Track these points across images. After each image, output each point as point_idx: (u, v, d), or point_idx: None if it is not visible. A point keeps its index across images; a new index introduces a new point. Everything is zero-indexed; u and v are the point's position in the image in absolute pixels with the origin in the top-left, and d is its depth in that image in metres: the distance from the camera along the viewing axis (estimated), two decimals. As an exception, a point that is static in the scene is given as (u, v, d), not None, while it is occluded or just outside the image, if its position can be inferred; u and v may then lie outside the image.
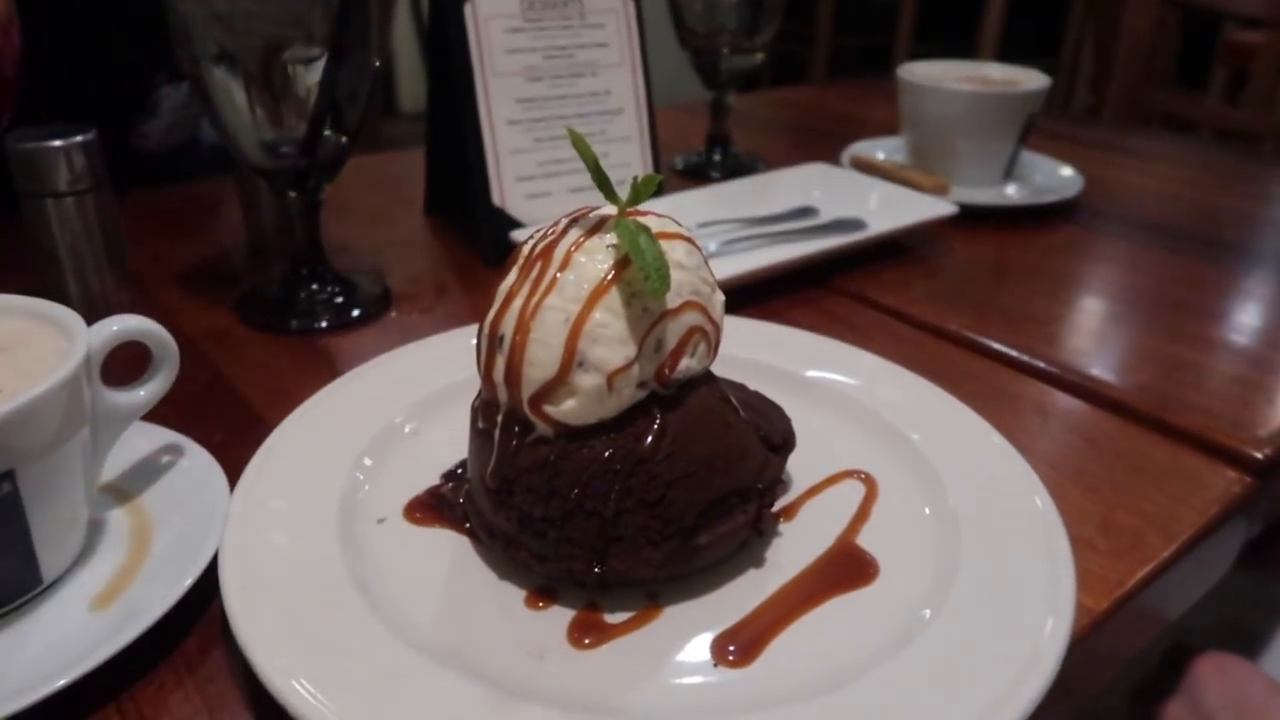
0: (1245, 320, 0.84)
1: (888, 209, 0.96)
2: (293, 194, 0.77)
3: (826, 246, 0.87)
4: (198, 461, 0.56)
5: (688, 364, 0.47)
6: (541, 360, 0.45)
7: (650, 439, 0.46)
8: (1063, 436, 0.66)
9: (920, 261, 0.93)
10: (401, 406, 0.62)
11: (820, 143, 1.21)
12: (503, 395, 0.47)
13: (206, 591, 0.47)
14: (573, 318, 0.44)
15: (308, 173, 0.76)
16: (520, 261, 0.48)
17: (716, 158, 1.17)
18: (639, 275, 0.44)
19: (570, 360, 0.44)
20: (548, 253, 0.47)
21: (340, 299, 0.81)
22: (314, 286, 0.81)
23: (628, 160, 0.95)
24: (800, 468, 0.57)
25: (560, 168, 0.92)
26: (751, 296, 0.83)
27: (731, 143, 1.18)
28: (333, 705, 0.39)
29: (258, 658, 0.41)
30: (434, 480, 0.56)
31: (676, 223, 0.50)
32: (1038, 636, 0.43)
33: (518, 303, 0.46)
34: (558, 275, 0.46)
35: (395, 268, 0.91)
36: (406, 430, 0.61)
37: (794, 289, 0.86)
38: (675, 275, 0.46)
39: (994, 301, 0.85)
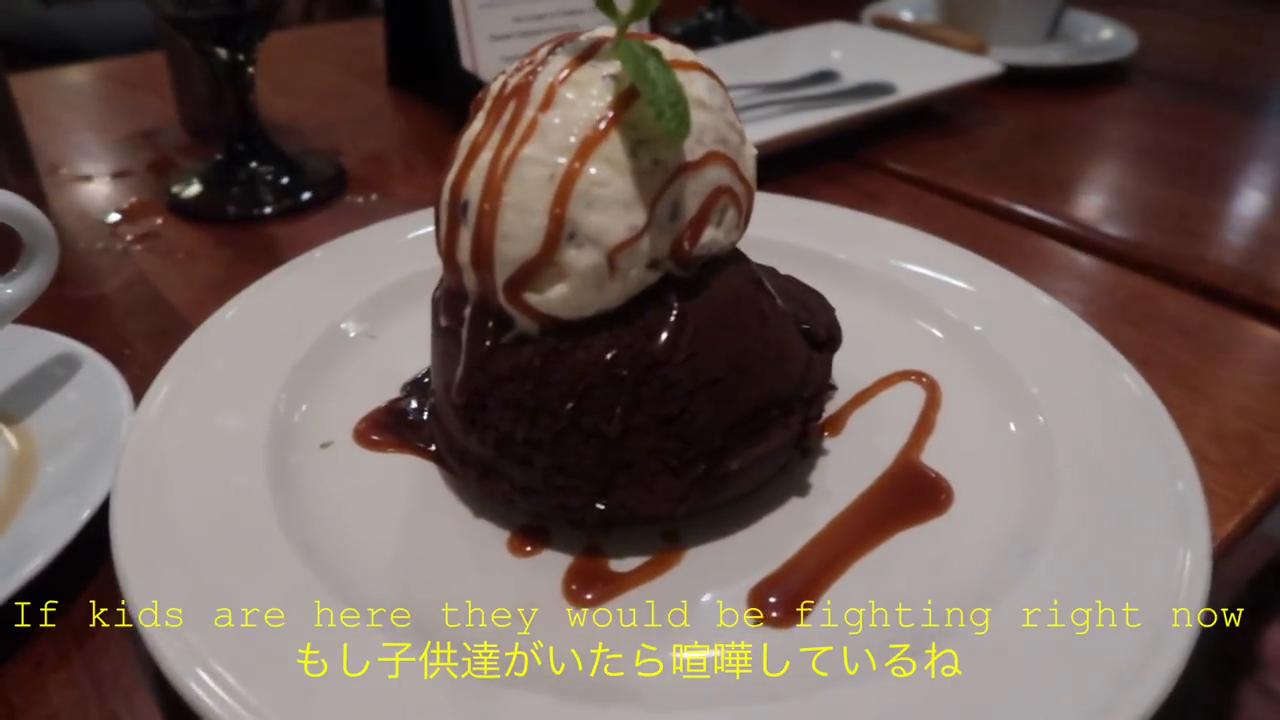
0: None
1: (920, 71, 0.83)
2: (221, 52, 0.64)
3: (853, 112, 0.74)
4: (97, 375, 0.45)
5: (713, 236, 0.36)
6: (519, 232, 0.33)
7: (666, 335, 0.35)
8: (1149, 326, 0.55)
9: (959, 130, 0.81)
10: (353, 303, 0.50)
11: (833, 3, 1.07)
12: (470, 281, 0.36)
13: (105, 539, 0.36)
14: (559, 174, 0.33)
15: (236, 24, 0.63)
16: (488, 103, 0.36)
17: (719, 20, 1.03)
18: (648, 114, 0.33)
19: (558, 231, 0.33)
20: (524, 89, 0.35)
21: (286, 180, 0.69)
22: (254, 165, 0.68)
23: (620, 16, 0.82)
24: (844, 369, 0.46)
25: (541, 24, 0.78)
26: (769, 172, 0.70)
27: (735, 3, 1.04)
28: (256, 702, 0.29)
29: (157, 639, 0.31)
30: (393, 393, 0.46)
31: (691, 53, 0.38)
32: (1173, 585, 0.33)
33: (485, 156, 0.34)
34: (538, 117, 0.34)
35: (352, 147, 0.78)
36: (358, 333, 0.49)
37: (817, 163, 0.74)
38: (695, 116, 0.35)
39: (1048, 172, 0.74)
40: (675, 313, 0.35)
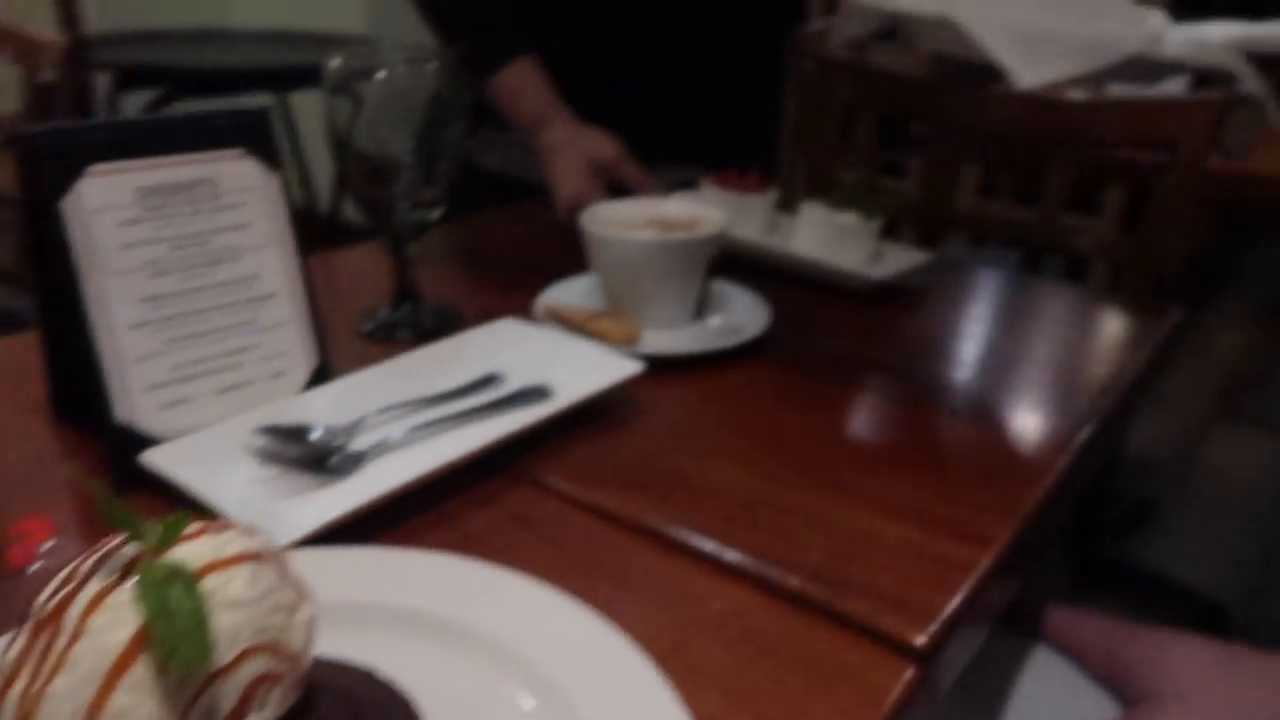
0: (914, 468, 0.86)
1: (576, 370, 0.93)
2: None
3: (501, 433, 0.82)
4: None
5: (255, 720, 0.40)
6: (49, 765, 0.36)
7: (210, 826, 0.38)
8: (742, 648, 0.63)
9: (609, 429, 0.90)
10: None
11: (524, 276, 1.17)
12: (11, 802, 0.38)
13: None
14: (83, 708, 0.36)
15: None
16: (31, 621, 0.39)
17: (405, 316, 1.10)
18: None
19: (86, 762, 0.36)
20: (59, 613, 0.38)
21: (-85, 567, 0.67)
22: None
23: (285, 348, 0.87)
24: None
25: (202, 367, 0.82)
26: (427, 500, 0.76)
27: (421, 298, 1.12)
28: None
29: None
30: None
31: (249, 532, 0.43)
32: None
33: (18, 687, 0.37)
34: (68, 648, 0.37)
35: (9, 498, 0.77)
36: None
37: (474, 482, 0.80)
38: (230, 618, 0.39)
39: (679, 473, 0.83)
40: (220, 801, 0.39)
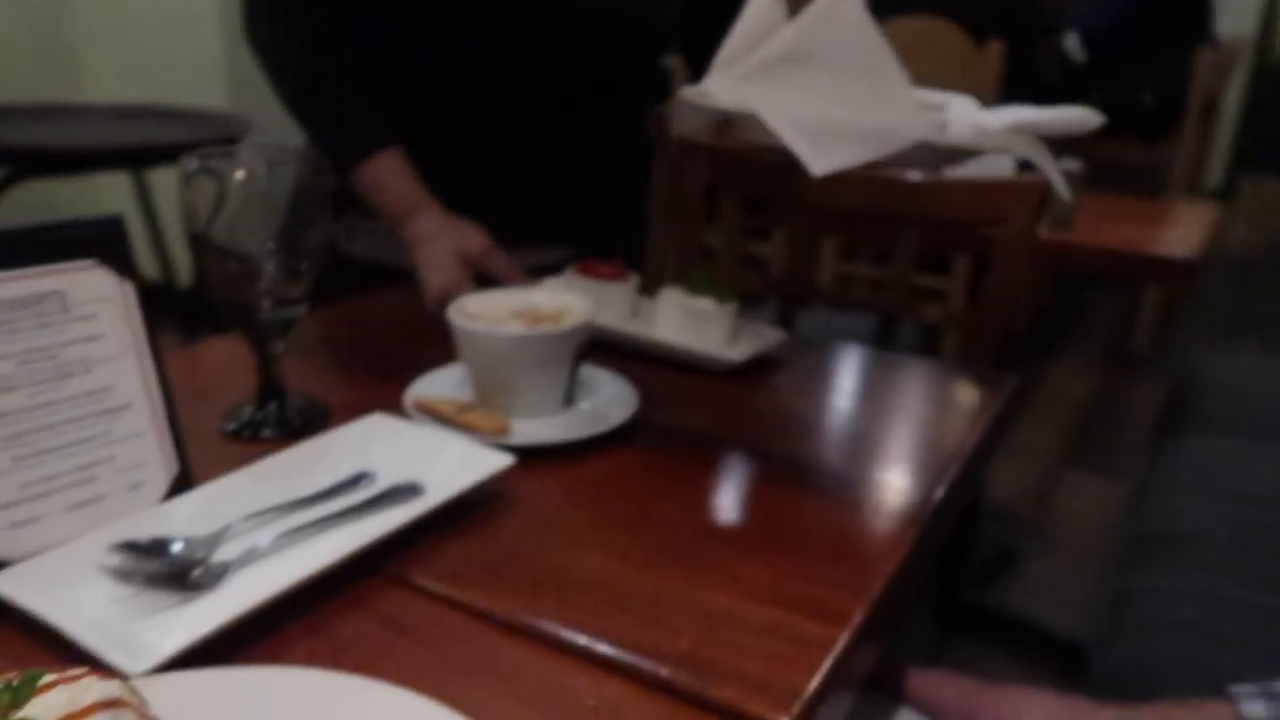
0: (776, 547, 0.90)
1: (446, 465, 0.94)
2: None
3: (370, 536, 0.82)
4: None
5: None
6: None
7: None
8: (609, 743, 0.65)
9: (481, 523, 0.91)
10: None
11: (394, 366, 1.18)
12: None
13: None
14: None
15: None
16: None
17: (271, 414, 1.09)
18: (25, 797, 0.36)
19: None
20: (-100, 784, 0.37)
21: None
22: None
23: (142, 459, 0.85)
24: None
25: (53, 484, 0.79)
26: (297, 608, 0.76)
27: (287, 394, 1.11)
28: None
29: None
30: None
31: (108, 675, 0.43)
32: None
33: None
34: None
35: None
36: None
37: (344, 585, 0.80)
38: (85, 772, 0.39)
39: (551, 565, 0.85)
40: None
